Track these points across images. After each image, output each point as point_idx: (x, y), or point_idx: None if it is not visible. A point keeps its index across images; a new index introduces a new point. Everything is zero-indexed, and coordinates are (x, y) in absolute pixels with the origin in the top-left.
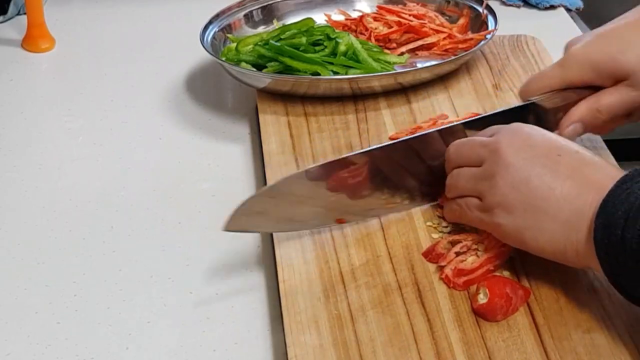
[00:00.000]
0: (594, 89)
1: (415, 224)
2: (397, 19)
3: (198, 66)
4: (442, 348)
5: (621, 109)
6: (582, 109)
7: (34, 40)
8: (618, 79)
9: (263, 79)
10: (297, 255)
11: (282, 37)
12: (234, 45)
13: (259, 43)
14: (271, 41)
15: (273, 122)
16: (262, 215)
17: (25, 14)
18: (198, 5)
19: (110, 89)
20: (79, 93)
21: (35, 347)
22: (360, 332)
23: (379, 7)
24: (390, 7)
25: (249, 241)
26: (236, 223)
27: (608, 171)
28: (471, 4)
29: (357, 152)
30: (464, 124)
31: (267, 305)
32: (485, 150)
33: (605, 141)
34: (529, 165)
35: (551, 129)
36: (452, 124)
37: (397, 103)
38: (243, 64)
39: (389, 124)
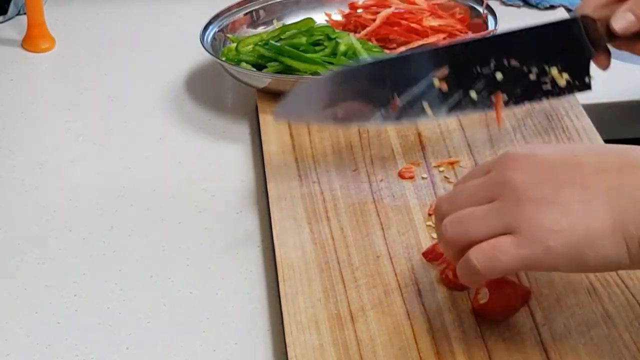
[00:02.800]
0: None
1: (416, 224)
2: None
3: (198, 66)
4: (442, 348)
5: None
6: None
7: (34, 40)
8: None
9: (263, 79)
10: (297, 255)
11: (282, 37)
12: (234, 45)
13: (259, 43)
14: (271, 41)
15: (273, 122)
16: (310, 104)
17: (25, 14)
18: (198, 5)
19: (110, 88)
20: (79, 93)
21: (35, 347)
22: (360, 332)
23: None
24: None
25: (250, 241)
26: (285, 112)
27: (628, 151)
28: (471, 4)
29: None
30: (514, 33)
31: (267, 305)
32: (489, 187)
33: (606, 141)
34: (552, 177)
35: (603, 40)
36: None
37: None
38: (243, 64)
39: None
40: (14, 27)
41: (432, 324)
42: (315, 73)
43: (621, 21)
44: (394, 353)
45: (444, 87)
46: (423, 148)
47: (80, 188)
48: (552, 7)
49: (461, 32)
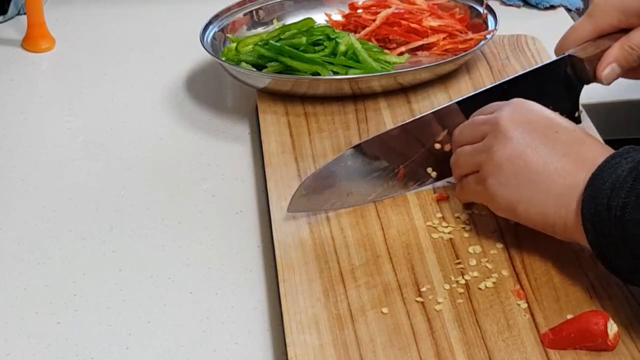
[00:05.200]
0: (625, 32)
1: (416, 224)
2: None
3: (198, 66)
4: (442, 348)
5: None
6: (615, 50)
7: (34, 40)
8: None
9: (263, 79)
10: (297, 255)
11: (282, 37)
12: (234, 45)
13: (259, 43)
14: (271, 41)
15: (273, 122)
16: (321, 194)
17: (25, 14)
18: (198, 5)
19: (110, 88)
20: (79, 93)
21: (35, 347)
22: (360, 332)
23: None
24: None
25: (249, 241)
26: (298, 204)
27: (603, 150)
28: (471, 4)
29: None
30: (508, 81)
31: (267, 305)
32: (486, 126)
33: (606, 141)
34: (527, 140)
35: (589, 78)
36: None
37: (397, 103)
38: (243, 64)
39: (389, 124)
40: (14, 27)
41: (432, 324)
42: (315, 73)
43: (609, 73)
44: (393, 353)
45: (447, 148)
46: None
47: (80, 188)
48: (552, 7)
49: (461, 32)
